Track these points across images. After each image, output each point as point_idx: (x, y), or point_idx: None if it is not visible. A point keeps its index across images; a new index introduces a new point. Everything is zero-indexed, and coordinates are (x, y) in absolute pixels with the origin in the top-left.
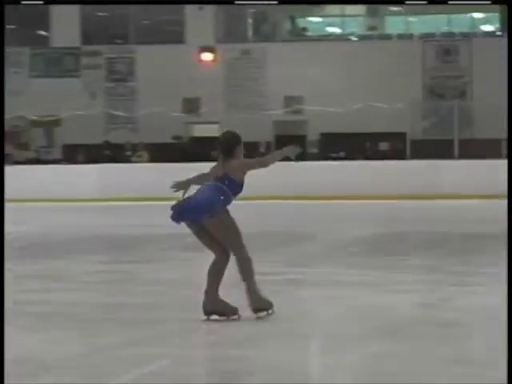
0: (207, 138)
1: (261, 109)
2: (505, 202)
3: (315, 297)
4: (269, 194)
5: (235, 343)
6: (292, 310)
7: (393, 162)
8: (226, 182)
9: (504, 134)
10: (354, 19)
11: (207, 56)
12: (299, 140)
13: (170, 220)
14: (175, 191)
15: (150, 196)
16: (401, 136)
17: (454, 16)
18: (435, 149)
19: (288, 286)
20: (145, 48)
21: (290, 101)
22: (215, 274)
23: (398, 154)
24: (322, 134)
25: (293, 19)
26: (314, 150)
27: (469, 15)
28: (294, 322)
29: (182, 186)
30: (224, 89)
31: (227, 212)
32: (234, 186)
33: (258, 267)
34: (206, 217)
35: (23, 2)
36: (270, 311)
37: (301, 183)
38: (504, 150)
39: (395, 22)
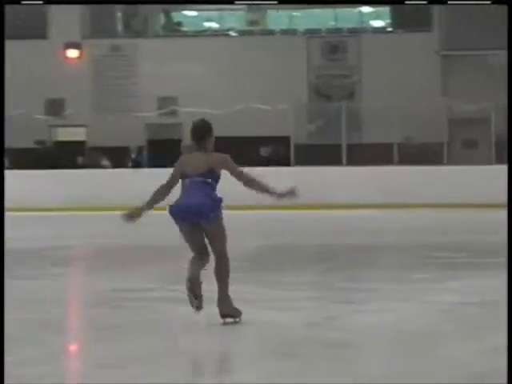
0: (73, 142)
1: (132, 110)
2: (401, 212)
3: (197, 314)
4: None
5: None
6: (173, 328)
7: (274, 169)
8: (214, 178)
9: (396, 138)
10: (234, 13)
11: (72, 53)
12: (174, 144)
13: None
14: (128, 222)
15: (10, 206)
16: (284, 140)
17: (340, 10)
18: (321, 154)
19: (168, 304)
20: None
21: (164, 102)
22: (196, 274)
23: (281, 160)
24: None
25: (167, 13)
26: None
27: (357, 10)
28: (179, 339)
29: (134, 215)
30: (91, 88)
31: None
32: (217, 179)
33: (136, 283)
34: (211, 218)
35: (23, 2)
36: (237, 319)
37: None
38: (396, 156)
39: (278, 16)
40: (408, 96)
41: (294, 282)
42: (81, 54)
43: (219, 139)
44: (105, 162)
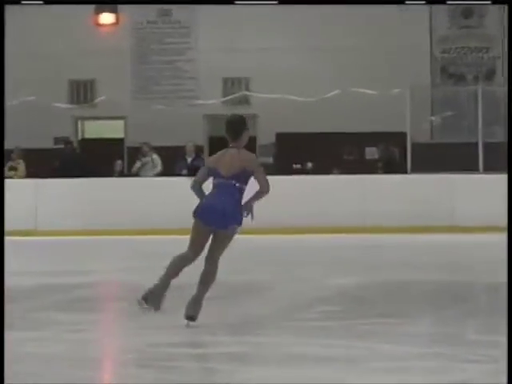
0: (107, 139)
1: (187, 97)
2: None
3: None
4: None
5: None
6: None
7: (385, 177)
8: (246, 179)
9: None
10: None
11: (106, 18)
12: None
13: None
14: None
15: (19, 228)
16: (398, 138)
17: None
18: (449, 157)
19: (234, 365)
20: None
21: (231, 85)
22: (179, 271)
23: (393, 165)
24: (279, 135)
25: None
26: (269, 160)
27: None
28: None
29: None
30: (131, 67)
31: None
32: (248, 179)
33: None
34: (234, 227)
35: (23, 2)
36: (189, 323)
37: None
38: None
39: None
40: None
41: (410, 332)
42: (117, 19)
43: (307, 136)
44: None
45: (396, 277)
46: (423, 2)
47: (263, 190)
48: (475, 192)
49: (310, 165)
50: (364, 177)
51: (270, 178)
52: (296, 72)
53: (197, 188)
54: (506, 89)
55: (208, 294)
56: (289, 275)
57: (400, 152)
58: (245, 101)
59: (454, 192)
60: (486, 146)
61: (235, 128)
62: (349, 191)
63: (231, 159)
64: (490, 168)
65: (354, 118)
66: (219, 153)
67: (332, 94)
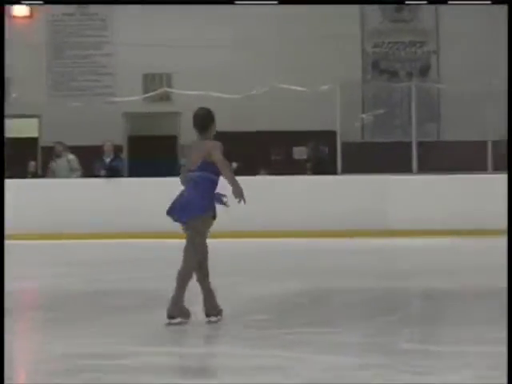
0: (20, 139)
1: (105, 94)
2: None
3: None
4: None
5: None
6: None
7: (313, 179)
8: (206, 168)
9: (491, 135)
10: None
11: (19, 10)
12: (167, 143)
13: None
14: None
15: None
16: (328, 137)
17: None
18: (382, 157)
19: (161, 376)
20: None
21: (151, 81)
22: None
23: (323, 165)
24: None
25: None
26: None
27: None
28: None
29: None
30: (46, 62)
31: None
32: (214, 170)
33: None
34: (191, 219)
35: (23, 2)
36: (186, 320)
37: None
38: (490, 160)
39: None
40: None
41: (343, 342)
42: (31, 11)
43: (233, 135)
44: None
45: (327, 284)
46: (424, 2)
47: (229, 182)
48: (409, 194)
49: (235, 165)
50: (292, 178)
51: None
52: (221, 68)
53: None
54: (441, 86)
55: (127, 303)
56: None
57: (330, 152)
58: (166, 98)
59: (386, 194)
60: (420, 145)
61: (202, 121)
62: (276, 193)
63: (195, 152)
64: (424, 168)
65: (282, 115)
66: (188, 148)
67: (259, 90)
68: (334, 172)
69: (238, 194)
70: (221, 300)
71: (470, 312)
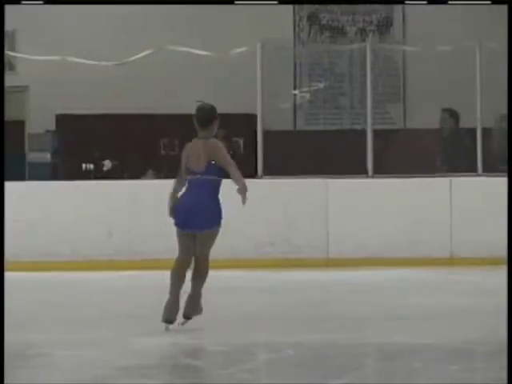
0: None
1: None
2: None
3: None
4: None
5: None
6: None
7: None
8: (214, 172)
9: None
10: None
11: None
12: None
13: None
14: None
15: None
16: (245, 122)
17: None
18: (323, 152)
19: None
20: None
21: None
22: (183, 277)
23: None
24: (60, 118)
25: None
26: (45, 157)
27: None
28: None
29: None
30: None
31: None
32: (220, 171)
33: None
34: (213, 227)
35: (23, 2)
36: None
37: None
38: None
39: None
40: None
41: None
42: None
43: (104, 119)
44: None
45: (239, 336)
46: (424, 2)
47: (236, 181)
48: (360, 205)
49: (108, 164)
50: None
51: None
52: (85, 25)
53: (173, 199)
54: (408, 49)
55: None
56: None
57: (247, 145)
58: (8, 66)
59: (326, 205)
60: (378, 135)
61: (204, 116)
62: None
63: (198, 151)
64: (383, 169)
65: (177, 92)
66: (188, 145)
67: (140, 55)
68: (251, 174)
69: (244, 192)
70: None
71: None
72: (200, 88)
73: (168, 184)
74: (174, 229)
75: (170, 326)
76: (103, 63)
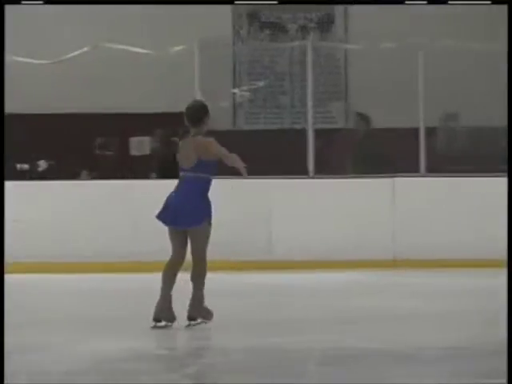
0: None
1: None
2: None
3: None
4: None
5: None
6: None
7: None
8: (203, 170)
9: (427, 120)
10: None
11: None
12: None
13: None
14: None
15: None
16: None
17: None
18: (264, 151)
19: None
20: None
21: None
22: (173, 277)
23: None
24: None
25: None
26: None
27: None
28: None
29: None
30: None
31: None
32: (210, 169)
33: None
34: (203, 224)
35: (23, 2)
36: (207, 320)
37: None
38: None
39: None
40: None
41: None
42: None
43: (40, 118)
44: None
45: (185, 342)
46: (424, 2)
47: (232, 162)
48: (302, 206)
49: (43, 164)
50: (129, 183)
51: None
52: (18, 23)
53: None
54: (351, 47)
55: None
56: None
57: None
58: None
59: (269, 207)
60: (320, 134)
61: (195, 114)
62: (102, 204)
63: (188, 149)
64: (325, 169)
65: (113, 90)
66: (180, 143)
67: (76, 52)
68: None
69: (239, 163)
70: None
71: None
72: (138, 87)
73: (105, 184)
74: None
75: (163, 324)
76: (39, 61)
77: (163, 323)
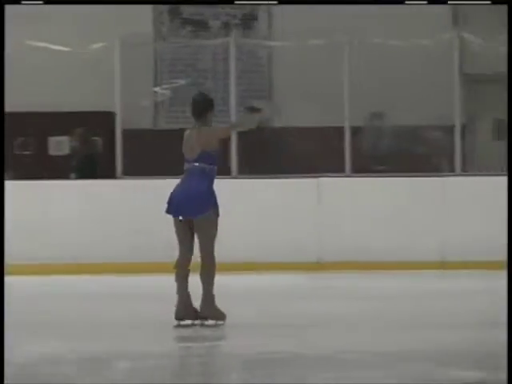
0: None
1: None
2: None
3: None
4: None
5: None
6: None
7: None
8: (207, 160)
9: (353, 119)
10: None
11: None
12: None
13: None
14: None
15: None
16: (101, 120)
17: None
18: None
19: None
20: None
21: None
22: (184, 275)
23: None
24: None
25: None
26: None
27: None
28: None
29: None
30: None
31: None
32: (214, 160)
33: None
34: (208, 213)
35: (23, 2)
36: (220, 322)
37: None
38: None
39: None
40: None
41: None
42: None
43: None
44: None
45: (98, 345)
46: (424, 2)
47: (241, 125)
48: (223, 205)
49: None
50: (49, 183)
51: None
52: None
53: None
54: (275, 44)
55: None
56: None
57: (105, 144)
58: None
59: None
60: (243, 133)
61: (199, 107)
62: (21, 205)
63: (192, 140)
64: (249, 169)
65: (32, 88)
66: (185, 134)
67: None
68: (111, 175)
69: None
70: None
71: None
72: (58, 85)
73: (21, 185)
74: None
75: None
76: None
77: (189, 322)
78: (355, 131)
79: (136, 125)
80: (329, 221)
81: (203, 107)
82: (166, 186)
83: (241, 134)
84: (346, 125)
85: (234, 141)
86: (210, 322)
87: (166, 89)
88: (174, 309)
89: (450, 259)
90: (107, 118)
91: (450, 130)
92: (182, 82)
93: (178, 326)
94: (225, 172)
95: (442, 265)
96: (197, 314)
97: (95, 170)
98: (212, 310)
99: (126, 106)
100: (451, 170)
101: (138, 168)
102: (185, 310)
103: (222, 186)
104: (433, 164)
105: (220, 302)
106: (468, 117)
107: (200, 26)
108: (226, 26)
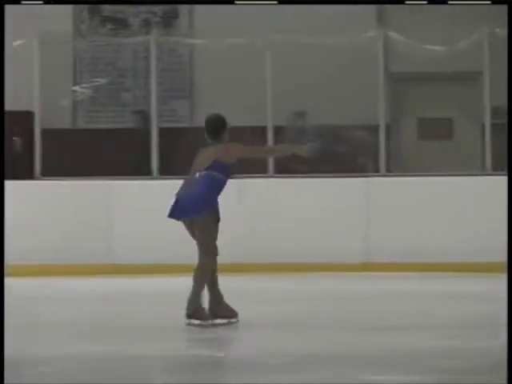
0: None
1: None
2: None
3: None
4: None
5: None
6: None
7: None
8: (219, 169)
9: (277, 119)
10: None
11: None
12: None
13: None
14: None
15: None
16: (20, 120)
17: None
18: (106, 149)
19: None
20: None
21: None
22: (207, 277)
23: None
24: None
25: None
26: None
27: None
28: None
29: None
30: None
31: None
32: (226, 171)
33: None
34: (201, 214)
35: (23, 2)
36: (206, 322)
37: None
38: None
39: None
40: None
41: None
42: None
43: None
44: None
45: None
46: (424, 2)
47: (270, 152)
48: (148, 208)
49: None
50: None
51: None
52: None
53: None
54: (196, 42)
55: None
56: None
57: (25, 144)
58: None
59: (110, 210)
60: (164, 134)
61: (214, 128)
62: None
63: (205, 156)
64: (170, 170)
65: None
66: (199, 151)
67: None
68: (29, 175)
69: (291, 149)
70: None
71: None
72: None
73: None
74: None
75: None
76: None
77: (197, 322)
78: (278, 131)
79: (55, 124)
80: (251, 222)
81: (218, 128)
82: (89, 188)
83: (161, 134)
84: (269, 124)
85: (154, 140)
86: (221, 320)
87: (85, 88)
88: (183, 308)
89: (374, 261)
90: (26, 117)
91: (374, 129)
92: (101, 80)
93: (189, 324)
94: (146, 173)
95: (366, 266)
96: (206, 314)
97: (15, 170)
98: (218, 308)
99: (44, 105)
100: (376, 170)
101: (60, 168)
102: (191, 309)
103: (142, 188)
104: (357, 164)
105: (138, 307)
106: (393, 116)
107: (120, 23)
108: (147, 24)
